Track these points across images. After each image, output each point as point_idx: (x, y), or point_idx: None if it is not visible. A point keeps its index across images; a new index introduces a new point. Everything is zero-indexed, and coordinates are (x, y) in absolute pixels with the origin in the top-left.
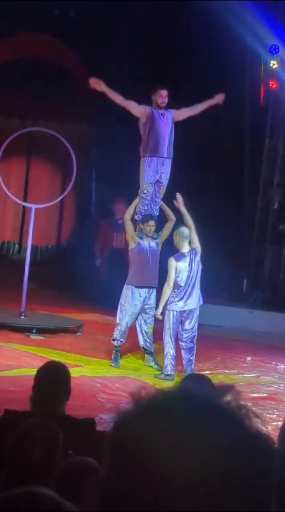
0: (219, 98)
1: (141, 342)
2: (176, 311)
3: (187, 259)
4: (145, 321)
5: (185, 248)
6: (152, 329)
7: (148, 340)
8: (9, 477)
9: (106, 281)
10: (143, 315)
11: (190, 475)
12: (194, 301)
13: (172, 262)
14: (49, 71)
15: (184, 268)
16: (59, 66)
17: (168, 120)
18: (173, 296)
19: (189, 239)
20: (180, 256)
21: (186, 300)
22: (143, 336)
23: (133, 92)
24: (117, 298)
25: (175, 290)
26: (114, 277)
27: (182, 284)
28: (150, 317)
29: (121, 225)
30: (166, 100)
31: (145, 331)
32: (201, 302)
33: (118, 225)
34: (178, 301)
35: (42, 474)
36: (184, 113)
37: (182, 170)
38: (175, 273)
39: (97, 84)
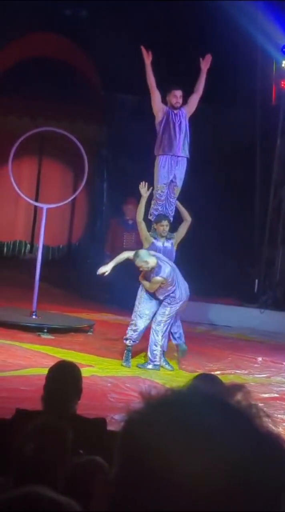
0: (207, 61)
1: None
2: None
3: (163, 265)
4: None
5: (154, 262)
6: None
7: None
8: (17, 476)
9: (115, 281)
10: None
11: (200, 474)
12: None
13: (159, 279)
14: (60, 72)
15: (168, 273)
16: (71, 67)
17: (182, 119)
18: (173, 293)
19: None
20: (158, 269)
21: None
22: None
23: (144, 92)
24: (126, 298)
25: (169, 288)
26: (123, 277)
27: (173, 283)
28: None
29: (131, 226)
30: (180, 100)
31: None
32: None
33: (128, 225)
34: (177, 297)
35: (50, 474)
36: (193, 102)
37: (194, 169)
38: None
39: (147, 55)
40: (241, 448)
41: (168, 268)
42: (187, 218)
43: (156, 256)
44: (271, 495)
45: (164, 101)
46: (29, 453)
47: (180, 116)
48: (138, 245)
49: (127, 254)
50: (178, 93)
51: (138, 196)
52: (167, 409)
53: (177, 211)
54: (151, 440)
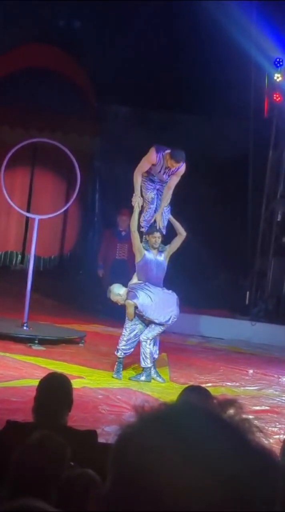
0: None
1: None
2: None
3: (140, 292)
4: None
5: (126, 291)
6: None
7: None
8: (13, 489)
9: (107, 292)
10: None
11: (194, 489)
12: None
13: (130, 302)
14: (54, 82)
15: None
16: (64, 78)
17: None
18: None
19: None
20: (132, 295)
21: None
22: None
23: (137, 103)
24: (118, 309)
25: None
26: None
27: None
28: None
29: (124, 237)
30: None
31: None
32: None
33: (121, 236)
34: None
35: (46, 487)
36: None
37: (186, 181)
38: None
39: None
40: (234, 463)
41: (142, 296)
42: (182, 232)
43: (141, 286)
44: (265, 509)
45: (150, 109)
46: (27, 466)
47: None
48: (130, 255)
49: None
50: (175, 164)
51: (131, 207)
52: (160, 423)
53: (170, 225)
54: (144, 454)
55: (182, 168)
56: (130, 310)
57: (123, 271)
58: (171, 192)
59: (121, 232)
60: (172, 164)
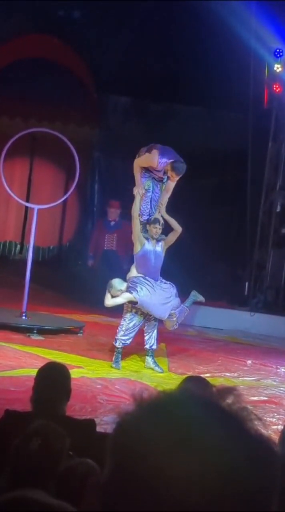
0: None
1: (145, 345)
2: None
3: (141, 287)
4: (148, 323)
5: (126, 286)
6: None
7: (148, 343)
8: (12, 478)
9: (99, 282)
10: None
11: (192, 477)
12: None
13: (128, 295)
14: (53, 73)
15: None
16: (64, 68)
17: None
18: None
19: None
20: (132, 289)
21: None
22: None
23: (137, 95)
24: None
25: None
26: (106, 278)
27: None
28: (152, 320)
29: (113, 227)
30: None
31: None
32: None
33: (110, 227)
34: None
35: (45, 477)
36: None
37: (185, 173)
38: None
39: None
40: (233, 451)
41: (143, 291)
42: (177, 229)
43: (141, 281)
44: (262, 497)
45: (149, 103)
46: (26, 456)
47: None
48: (119, 246)
49: (107, 301)
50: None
51: (127, 198)
52: (159, 412)
53: (166, 221)
54: (143, 442)
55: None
56: (126, 302)
57: (112, 261)
58: (168, 195)
59: (110, 222)
60: (172, 175)
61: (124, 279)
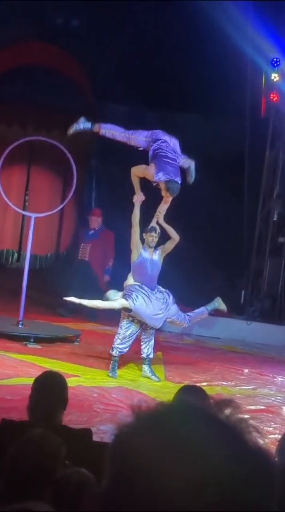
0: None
1: (142, 353)
2: None
3: (137, 295)
4: (145, 332)
5: (121, 295)
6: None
7: (145, 351)
8: (7, 487)
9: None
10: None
11: (190, 489)
12: None
13: (123, 302)
14: (51, 80)
15: (142, 302)
16: (62, 75)
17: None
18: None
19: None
20: (128, 297)
21: None
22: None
23: (135, 102)
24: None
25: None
26: (111, 287)
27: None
28: (149, 329)
29: (90, 236)
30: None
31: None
32: None
33: (87, 236)
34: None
35: (41, 487)
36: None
37: (183, 181)
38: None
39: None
40: (231, 463)
41: (139, 301)
42: (175, 237)
43: (137, 289)
44: (261, 509)
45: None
46: (22, 464)
47: None
48: (91, 258)
49: (98, 303)
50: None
51: (122, 205)
52: (157, 423)
53: (163, 229)
54: (141, 454)
55: None
56: (120, 308)
57: (84, 272)
58: (167, 206)
59: (89, 231)
60: (166, 195)
61: (99, 291)
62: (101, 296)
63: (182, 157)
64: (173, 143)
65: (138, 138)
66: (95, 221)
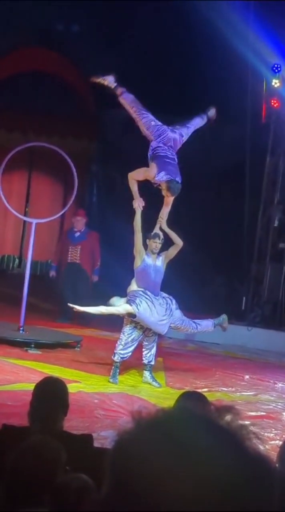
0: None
1: (143, 359)
2: None
3: (141, 300)
4: (147, 338)
5: (125, 300)
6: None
7: (146, 358)
8: (7, 493)
9: (105, 296)
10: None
11: (191, 495)
12: None
13: (127, 307)
14: (51, 86)
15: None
16: (62, 81)
17: None
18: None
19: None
20: (132, 302)
21: None
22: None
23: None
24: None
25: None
26: (113, 293)
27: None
28: (151, 335)
29: (77, 238)
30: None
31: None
32: None
33: (74, 238)
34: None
35: (41, 492)
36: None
37: (183, 187)
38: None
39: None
40: (231, 470)
41: (142, 306)
42: (178, 243)
43: (141, 295)
44: None
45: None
46: (22, 470)
47: None
48: (82, 259)
49: (102, 309)
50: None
51: (123, 210)
52: (158, 430)
53: (166, 234)
54: (142, 461)
55: None
56: (125, 314)
57: (78, 274)
58: (168, 209)
59: (75, 233)
60: (167, 195)
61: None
62: (97, 300)
63: (182, 130)
64: (174, 138)
65: (145, 124)
66: (80, 222)
